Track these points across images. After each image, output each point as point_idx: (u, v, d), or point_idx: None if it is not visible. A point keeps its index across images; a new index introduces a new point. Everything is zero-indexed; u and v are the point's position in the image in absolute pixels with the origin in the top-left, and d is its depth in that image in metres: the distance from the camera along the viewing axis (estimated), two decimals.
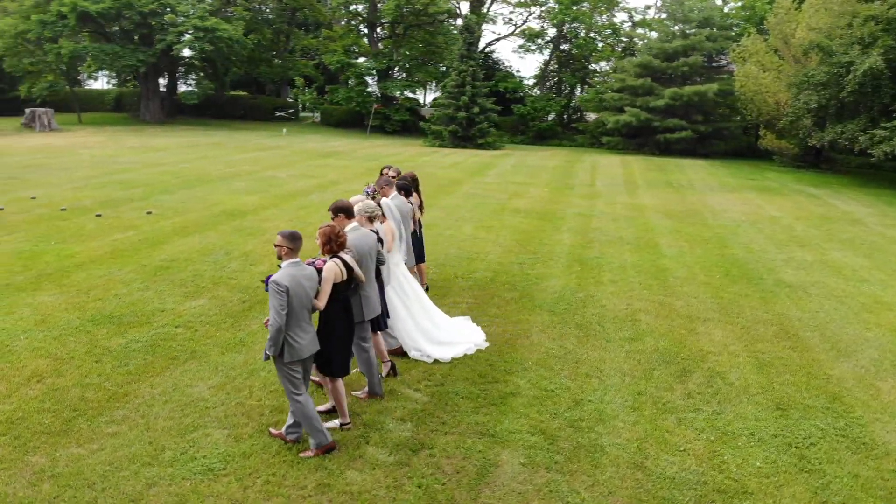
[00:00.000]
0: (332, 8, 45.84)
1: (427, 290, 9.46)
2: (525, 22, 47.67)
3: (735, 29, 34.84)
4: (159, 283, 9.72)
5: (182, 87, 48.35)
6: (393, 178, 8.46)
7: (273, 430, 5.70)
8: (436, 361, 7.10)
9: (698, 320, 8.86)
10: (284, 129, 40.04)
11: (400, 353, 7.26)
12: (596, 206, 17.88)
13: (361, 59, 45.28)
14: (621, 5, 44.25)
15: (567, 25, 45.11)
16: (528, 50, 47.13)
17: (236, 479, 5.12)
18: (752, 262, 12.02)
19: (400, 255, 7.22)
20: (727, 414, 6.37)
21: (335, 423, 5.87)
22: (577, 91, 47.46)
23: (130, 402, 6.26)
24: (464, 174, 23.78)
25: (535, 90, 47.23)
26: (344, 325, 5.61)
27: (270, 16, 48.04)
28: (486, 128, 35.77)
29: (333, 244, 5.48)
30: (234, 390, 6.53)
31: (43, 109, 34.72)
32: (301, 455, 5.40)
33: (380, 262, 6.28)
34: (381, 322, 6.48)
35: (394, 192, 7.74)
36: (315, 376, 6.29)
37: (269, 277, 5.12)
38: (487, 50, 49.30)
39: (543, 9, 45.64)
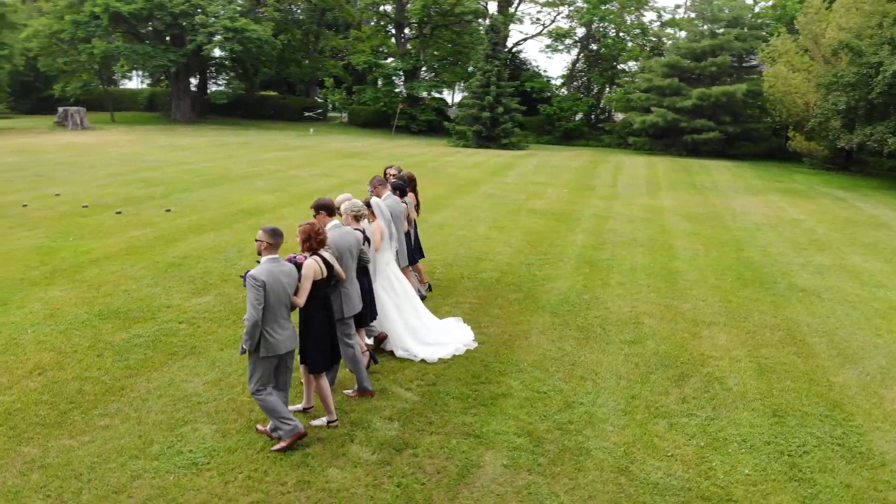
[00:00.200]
0: (360, 9, 46.10)
1: (430, 289, 9.50)
2: (553, 21, 47.42)
3: (766, 29, 34.20)
4: (169, 280, 9.88)
5: (213, 87, 49.12)
6: (393, 176, 8.49)
7: (260, 427, 5.76)
8: (423, 361, 7.10)
9: (703, 324, 8.73)
10: (312, 129, 40.40)
11: (381, 338, 7.25)
12: (614, 207, 17.71)
13: (389, 60, 45.49)
14: (650, 4, 43.72)
15: (595, 25, 44.75)
16: (555, 50, 46.86)
17: (219, 473, 5.18)
18: (768, 266, 11.80)
19: (391, 254, 7.24)
20: (721, 420, 6.26)
21: (322, 420, 5.91)
22: (606, 91, 47.03)
23: (126, 395, 6.38)
24: (484, 174, 23.75)
25: (562, 90, 46.92)
26: (323, 322, 5.65)
27: (301, 17, 48.51)
28: (511, 128, 35.65)
29: (313, 242, 5.53)
30: (228, 386, 6.60)
31: (75, 108, 35.50)
32: (274, 448, 5.45)
33: (363, 260, 6.30)
34: (365, 319, 6.52)
35: (387, 192, 7.76)
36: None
37: (247, 272, 5.19)
38: (515, 50, 49.14)
39: (572, 8, 45.32)
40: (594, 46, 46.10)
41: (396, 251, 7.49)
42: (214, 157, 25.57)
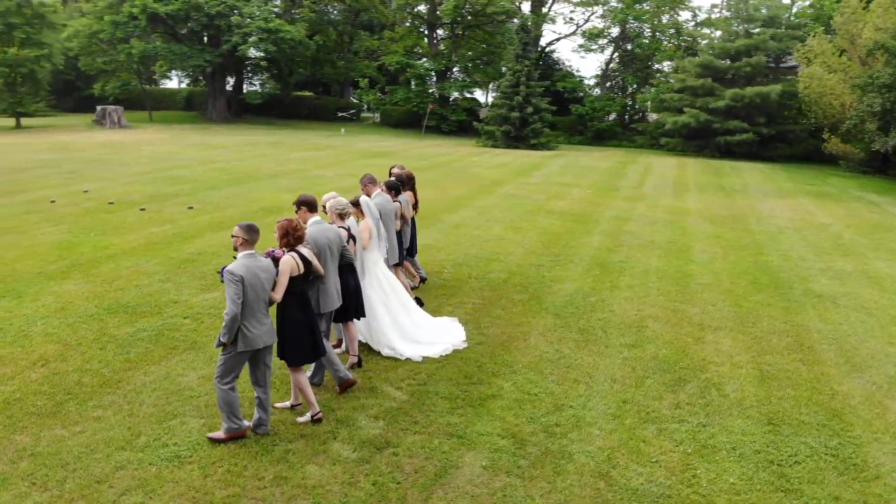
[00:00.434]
0: (394, 9, 46.30)
1: (424, 280, 9.56)
2: (587, 21, 47.04)
3: (803, 29, 33.37)
4: (180, 276, 10.06)
5: (249, 88, 49.90)
6: (394, 176, 8.53)
7: (246, 423, 5.83)
8: (407, 360, 7.11)
9: (709, 329, 8.57)
10: (343, 129, 40.76)
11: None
12: (636, 208, 17.48)
13: (422, 60, 45.61)
14: (686, 3, 43.05)
15: (630, 24, 44.24)
16: (588, 49, 46.45)
17: (199, 466, 5.26)
18: (786, 271, 11.52)
19: (379, 252, 7.26)
20: (713, 427, 6.14)
21: (306, 416, 5.96)
22: (639, 91, 46.46)
23: (122, 388, 6.51)
24: (508, 174, 23.66)
25: (595, 90, 46.50)
26: (300, 317, 5.71)
27: (338, 17, 48.94)
28: (540, 128, 35.45)
29: (290, 237, 5.60)
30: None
31: (113, 107, 36.40)
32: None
33: (346, 258, 6.34)
34: (350, 316, 6.56)
35: (377, 190, 7.79)
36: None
37: (224, 268, 5.26)
38: (548, 50, 48.88)
39: (606, 7, 44.87)
40: (628, 46, 45.58)
41: (386, 249, 7.52)
42: (244, 155, 25.96)
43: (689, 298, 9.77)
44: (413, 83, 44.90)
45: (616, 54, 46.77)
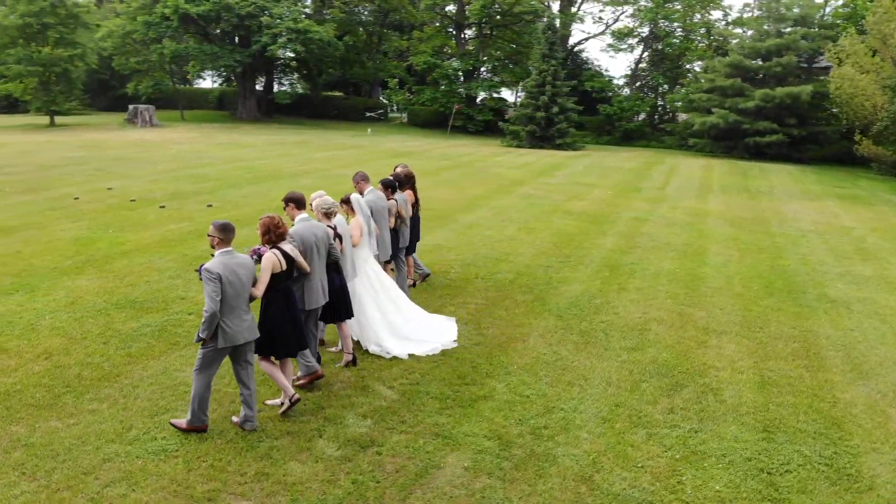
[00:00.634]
0: (422, 10, 46.37)
1: (426, 278, 9.59)
2: (616, 21, 46.58)
3: (836, 29, 32.60)
4: (191, 272, 10.20)
5: (279, 88, 50.45)
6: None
7: (234, 419, 5.91)
8: (394, 358, 7.13)
9: (714, 333, 8.42)
10: (370, 129, 40.96)
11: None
12: (656, 210, 17.27)
13: (450, 60, 45.60)
14: (717, 2, 42.36)
15: (660, 23, 43.68)
16: (617, 49, 45.98)
17: (184, 461, 5.34)
18: (802, 275, 11.28)
19: (369, 249, 7.29)
20: (704, 433, 6.03)
21: (277, 401, 6.09)
22: (669, 91, 45.86)
23: (119, 381, 6.64)
24: (529, 175, 23.55)
25: (624, 90, 46.03)
26: (284, 313, 5.78)
27: (369, 18, 49.22)
28: (566, 128, 35.22)
29: (272, 234, 5.66)
30: (217, 377, 6.73)
31: (145, 106, 37.09)
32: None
33: (332, 256, 6.37)
34: (339, 315, 6.60)
35: (369, 188, 7.82)
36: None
37: (202, 266, 5.33)
38: (576, 49, 48.53)
39: (635, 6, 44.37)
40: (658, 45, 45.03)
41: (377, 246, 7.56)
42: (269, 155, 26.25)
43: (698, 302, 9.61)
44: (443, 83, 44.87)
45: (646, 54, 46.23)
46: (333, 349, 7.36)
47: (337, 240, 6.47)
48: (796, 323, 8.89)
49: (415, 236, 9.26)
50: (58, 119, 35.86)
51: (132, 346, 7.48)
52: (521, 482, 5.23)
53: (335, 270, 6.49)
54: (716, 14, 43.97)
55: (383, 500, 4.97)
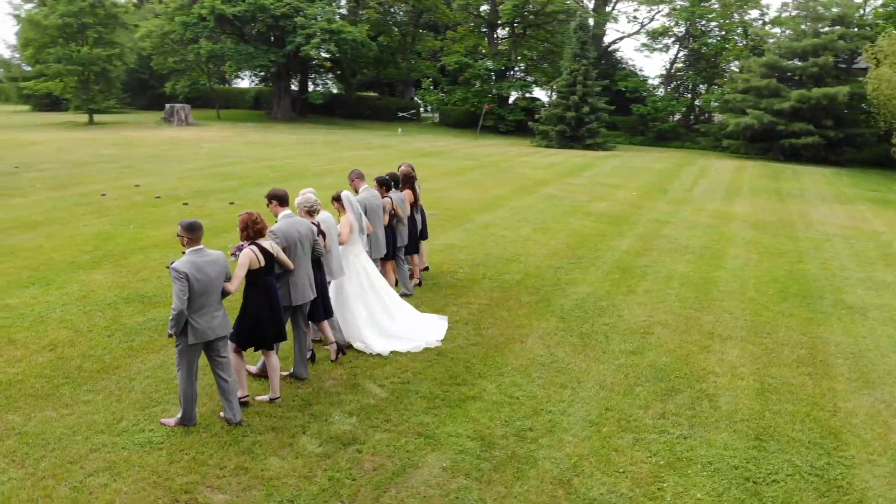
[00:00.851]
0: (455, 10, 46.37)
1: (425, 270, 9.60)
2: (652, 20, 45.95)
3: (875, 28, 31.61)
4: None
5: (314, 88, 50.99)
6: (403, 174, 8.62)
7: (222, 414, 5.99)
8: (378, 355, 7.15)
9: (718, 338, 8.26)
10: (400, 129, 41.11)
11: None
12: (680, 211, 17.00)
13: (482, 60, 45.52)
14: (755, 1, 41.47)
15: (698, 23, 42.95)
16: (651, 49, 45.36)
17: (168, 453, 5.43)
18: (821, 280, 10.99)
19: (360, 246, 7.31)
20: (694, 439, 5.92)
21: (266, 396, 6.20)
22: (705, 91, 45.07)
23: (117, 374, 6.78)
24: (555, 175, 23.38)
25: (659, 90, 45.38)
26: (265, 308, 5.86)
27: (404, 18, 49.44)
28: (596, 128, 34.88)
29: (250, 230, 5.75)
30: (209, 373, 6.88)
31: (181, 105, 37.84)
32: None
33: (315, 252, 6.41)
34: (318, 314, 6.63)
35: (364, 185, 7.85)
36: (252, 368, 6.64)
37: (171, 264, 5.42)
38: (611, 49, 48.03)
39: (671, 6, 43.70)
40: (694, 45, 44.30)
41: (370, 243, 7.60)
42: (298, 154, 26.53)
43: (707, 306, 9.43)
44: (477, 83, 44.78)
45: (681, 53, 45.52)
46: (328, 347, 7.41)
47: (321, 236, 6.52)
48: (806, 329, 8.66)
49: (415, 235, 9.26)
50: (96, 117, 36.79)
51: (135, 339, 7.63)
52: (498, 484, 5.20)
53: (317, 267, 6.54)
54: (753, 13, 42.96)
55: (357, 497, 4.99)
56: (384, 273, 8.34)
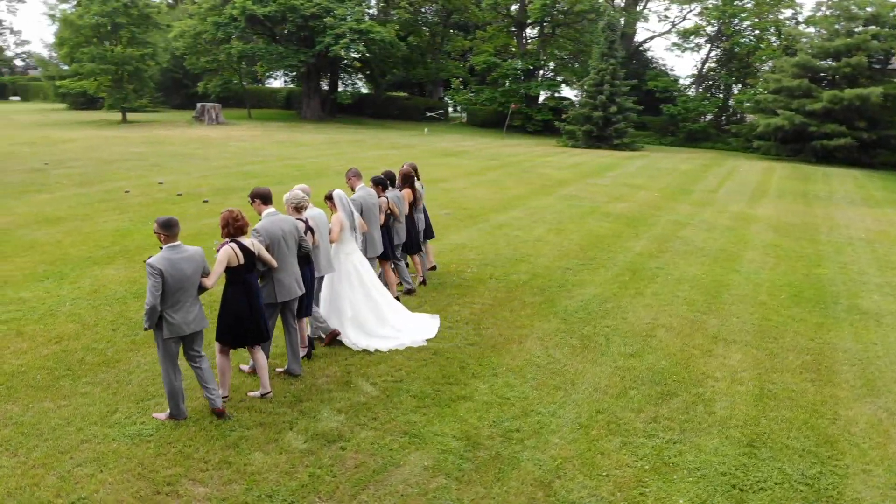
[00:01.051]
0: (484, 9, 46.30)
1: (424, 282, 9.56)
2: (683, 19, 45.38)
3: None
4: (212, 264, 10.51)
5: (343, 88, 51.38)
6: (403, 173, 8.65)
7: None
8: (364, 351, 7.21)
9: (722, 342, 8.11)
10: (426, 129, 41.19)
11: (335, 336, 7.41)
12: (700, 213, 16.74)
13: (511, 60, 45.38)
14: (788, 1, 40.64)
15: (730, 22, 42.24)
16: (682, 48, 44.74)
17: (156, 445, 5.53)
18: (837, 284, 10.73)
19: (353, 245, 7.35)
20: (683, 444, 5.83)
21: (258, 392, 6.27)
22: (738, 91, 44.32)
23: (117, 367, 6.92)
24: (578, 175, 23.20)
25: (690, 90, 44.75)
26: (244, 305, 5.92)
27: (434, 18, 49.53)
28: (624, 128, 34.55)
29: (231, 228, 5.82)
30: (211, 367, 6.99)
31: (211, 104, 38.42)
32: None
33: (302, 248, 6.46)
34: (306, 308, 6.68)
35: (360, 184, 7.88)
36: (245, 367, 6.72)
37: (147, 259, 5.51)
38: (641, 48, 47.50)
39: (703, 5, 43.06)
40: (727, 45, 43.58)
41: (364, 242, 7.63)
42: (323, 153, 26.74)
43: (715, 309, 9.28)
44: (506, 83, 44.66)
45: (713, 53, 44.83)
46: (323, 344, 7.47)
47: (309, 233, 6.57)
48: (815, 334, 8.47)
49: (415, 234, 9.27)
50: (129, 116, 37.55)
51: (138, 333, 7.77)
52: (478, 484, 5.18)
53: (305, 263, 6.59)
54: (787, 12, 42.09)
55: (335, 494, 5.02)
56: (383, 272, 8.38)
